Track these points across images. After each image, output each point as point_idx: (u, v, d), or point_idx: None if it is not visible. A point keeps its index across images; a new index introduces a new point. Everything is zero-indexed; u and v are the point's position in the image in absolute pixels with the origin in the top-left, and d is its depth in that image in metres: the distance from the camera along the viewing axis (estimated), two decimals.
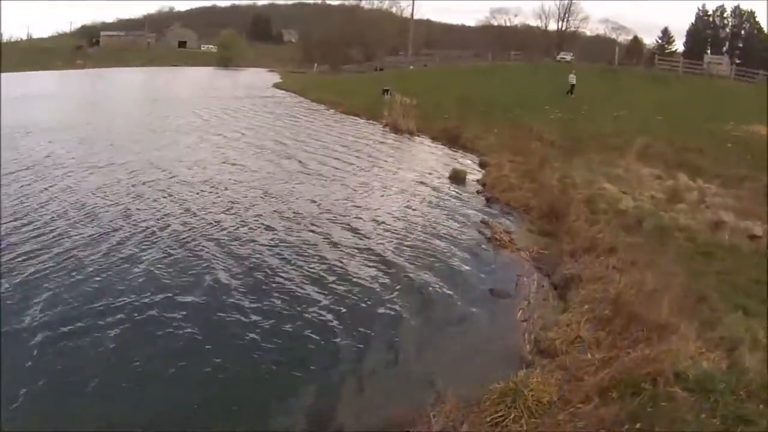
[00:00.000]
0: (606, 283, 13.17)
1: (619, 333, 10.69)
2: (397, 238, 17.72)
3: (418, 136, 39.22)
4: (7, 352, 9.99)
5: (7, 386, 9.10)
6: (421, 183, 25.25)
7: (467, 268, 15.79)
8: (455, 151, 33.62)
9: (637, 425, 7.47)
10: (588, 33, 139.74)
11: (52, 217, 17.90)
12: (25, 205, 19.09)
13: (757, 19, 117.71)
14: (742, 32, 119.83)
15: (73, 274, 13.72)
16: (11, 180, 21.89)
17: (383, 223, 19.28)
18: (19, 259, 14.35)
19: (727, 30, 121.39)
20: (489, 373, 9.88)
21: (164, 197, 20.58)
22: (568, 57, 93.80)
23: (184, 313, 12.13)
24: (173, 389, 9.58)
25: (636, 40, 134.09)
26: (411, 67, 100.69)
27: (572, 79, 50.17)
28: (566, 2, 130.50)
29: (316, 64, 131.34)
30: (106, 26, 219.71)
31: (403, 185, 24.73)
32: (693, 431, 7.33)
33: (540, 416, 8.38)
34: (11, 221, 17.29)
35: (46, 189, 20.94)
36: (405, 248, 16.87)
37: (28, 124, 35.89)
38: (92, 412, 8.86)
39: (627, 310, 11.24)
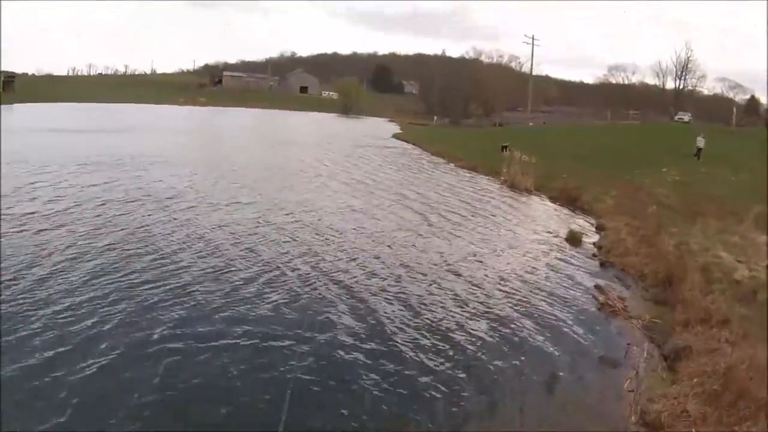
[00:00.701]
0: (717, 356, 12.98)
1: (727, 409, 10.58)
2: (511, 297, 17.91)
3: (535, 194, 39.24)
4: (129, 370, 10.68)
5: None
6: (537, 242, 25.37)
7: (578, 332, 15.79)
8: (572, 212, 33.51)
9: None
10: (705, 92, 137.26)
11: (176, 248, 19.27)
12: (151, 234, 20.88)
13: None
14: None
15: (195, 307, 14.74)
16: (138, 206, 23.94)
17: (498, 280, 19.52)
18: (143, 285, 15.60)
19: None
20: None
21: (287, 240, 21.77)
22: (686, 117, 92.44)
23: (305, 350, 12.81)
24: None
25: (753, 99, 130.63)
26: (530, 123, 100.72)
27: (701, 142, 48.82)
28: (683, 59, 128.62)
29: (435, 117, 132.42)
30: (228, 66, 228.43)
31: (519, 244, 24.93)
32: None
33: None
34: (138, 246, 19.14)
35: (171, 220, 22.73)
36: (518, 307, 17.05)
37: (154, 156, 38.19)
38: None
39: (736, 386, 11.09)
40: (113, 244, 19.56)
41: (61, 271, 16.61)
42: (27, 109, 78.35)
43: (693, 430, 10.05)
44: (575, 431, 11.01)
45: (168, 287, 15.98)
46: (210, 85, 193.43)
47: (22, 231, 20.30)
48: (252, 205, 27.04)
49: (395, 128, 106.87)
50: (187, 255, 18.85)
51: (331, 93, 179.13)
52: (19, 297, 14.54)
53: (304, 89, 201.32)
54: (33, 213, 22.73)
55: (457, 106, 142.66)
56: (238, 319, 14.29)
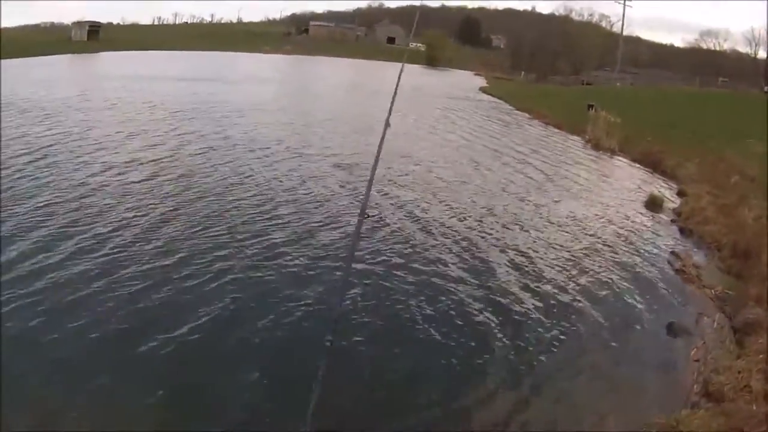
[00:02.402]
0: None
1: None
2: (589, 254, 18.03)
3: (619, 155, 38.67)
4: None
5: None
6: (617, 203, 25.19)
7: (651, 295, 15.71)
8: (654, 176, 32.97)
9: None
10: None
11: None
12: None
13: None
14: None
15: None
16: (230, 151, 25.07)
17: (577, 236, 19.76)
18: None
19: None
20: (652, 408, 10.00)
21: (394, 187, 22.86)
22: None
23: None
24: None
25: None
26: (618, 84, 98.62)
27: None
28: None
29: (523, 72, 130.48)
30: (315, 16, 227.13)
31: (599, 203, 24.82)
32: None
33: None
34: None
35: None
36: (594, 265, 17.14)
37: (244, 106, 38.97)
38: None
39: None
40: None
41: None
42: (113, 57, 78.81)
43: (753, 406, 9.99)
44: (636, 394, 10.98)
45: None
46: (296, 34, 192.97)
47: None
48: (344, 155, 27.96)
49: (482, 82, 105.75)
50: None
51: (418, 44, 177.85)
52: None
53: (391, 40, 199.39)
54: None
55: (545, 62, 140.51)
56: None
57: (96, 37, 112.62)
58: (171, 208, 17.93)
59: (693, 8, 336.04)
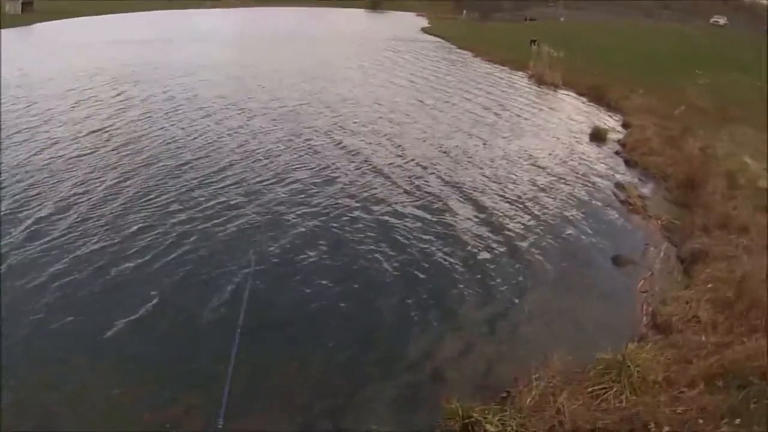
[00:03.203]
0: (733, 263, 12.60)
1: (738, 318, 10.27)
2: (525, 191, 17.78)
3: (563, 89, 38.37)
4: None
5: None
6: (559, 137, 24.99)
7: (597, 227, 15.64)
8: (599, 109, 32.71)
9: (737, 421, 7.20)
10: None
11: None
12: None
13: None
14: None
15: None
16: None
17: (521, 171, 19.62)
18: None
19: None
20: (599, 341, 9.72)
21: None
22: (722, 21, 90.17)
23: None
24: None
25: None
26: (561, 19, 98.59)
27: None
28: None
29: (465, 11, 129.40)
30: None
31: (542, 137, 24.72)
32: None
33: (642, 394, 8.19)
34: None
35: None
36: (531, 202, 16.90)
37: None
38: None
39: (750, 296, 10.75)
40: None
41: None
42: (50, 27, 75.24)
43: (702, 337, 9.75)
44: (582, 330, 10.82)
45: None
46: None
47: None
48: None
49: (424, 23, 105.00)
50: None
51: None
52: None
53: None
54: None
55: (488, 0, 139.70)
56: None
57: (30, 8, 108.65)
58: (119, 179, 16.87)
59: None
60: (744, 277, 11.59)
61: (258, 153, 19.61)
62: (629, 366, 8.51)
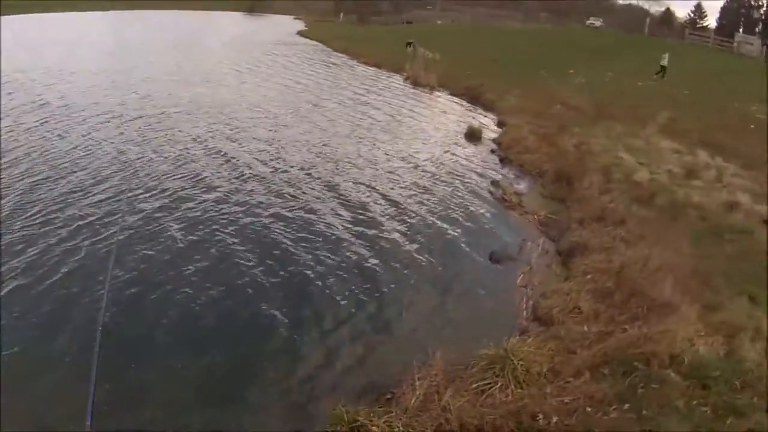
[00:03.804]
0: (611, 254, 12.78)
1: (619, 307, 10.38)
2: (400, 192, 17.52)
3: (438, 91, 38.70)
4: None
5: None
6: (434, 138, 25.11)
7: (471, 226, 15.56)
8: (474, 110, 33.10)
9: (625, 406, 7.21)
10: (621, 1, 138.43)
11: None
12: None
13: None
14: None
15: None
16: None
17: (394, 173, 19.27)
18: None
19: (762, 11, 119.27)
20: (481, 338, 9.53)
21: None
22: (598, 23, 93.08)
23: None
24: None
25: (668, 12, 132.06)
26: (439, 22, 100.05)
27: (665, 59, 46.19)
28: None
29: (342, 14, 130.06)
30: None
31: (414, 139, 24.67)
32: (681, 418, 7.04)
33: (527, 386, 8.12)
34: None
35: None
36: (407, 202, 16.69)
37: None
38: None
39: (629, 285, 10.94)
40: None
41: None
42: None
43: (585, 327, 9.74)
44: (463, 327, 10.67)
45: None
46: None
47: None
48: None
49: (301, 26, 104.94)
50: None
51: None
52: None
53: None
54: None
55: (366, 2, 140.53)
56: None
57: None
58: None
59: None
60: (622, 267, 11.79)
61: (133, 163, 18.38)
62: (512, 359, 8.44)
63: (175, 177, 17.17)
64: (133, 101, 27.85)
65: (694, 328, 9.22)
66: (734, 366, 8.13)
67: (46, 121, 22.96)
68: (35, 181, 16.16)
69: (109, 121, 23.44)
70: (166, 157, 18.99)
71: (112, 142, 20.42)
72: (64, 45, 52.10)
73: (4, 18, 67.91)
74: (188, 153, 19.63)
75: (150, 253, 12.32)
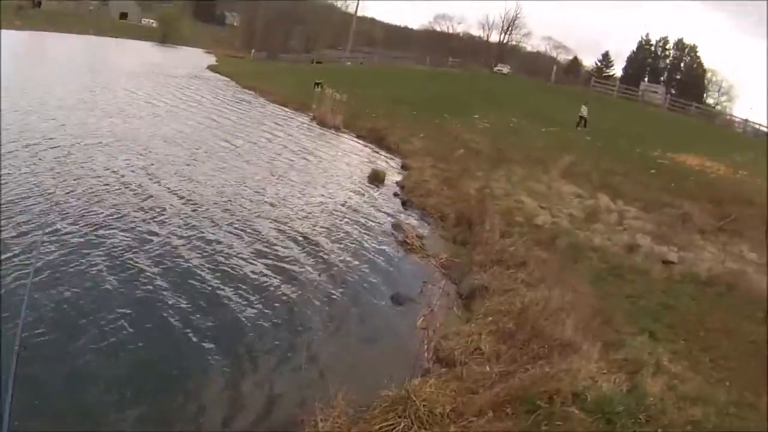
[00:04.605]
0: (513, 296, 12.96)
1: (521, 348, 10.46)
2: (303, 235, 17.31)
3: (344, 132, 39.03)
4: None
5: None
6: (338, 180, 25.16)
7: (372, 269, 15.55)
8: (379, 152, 33.46)
9: None
10: (529, 48, 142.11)
11: None
12: None
13: (698, 54, 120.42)
14: (682, 65, 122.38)
15: None
16: None
17: (294, 216, 18.98)
18: None
19: (668, 61, 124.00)
20: (383, 380, 9.49)
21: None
22: (505, 69, 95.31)
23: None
24: None
25: (575, 60, 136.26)
26: (348, 63, 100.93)
27: (584, 111, 46.74)
28: (511, 16, 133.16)
29: (253, 50, 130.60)
30: None
31: (318, 180, 24.50)
32: None
33: (431, 427, 8.09)
34: None
35: None
36: (310, 245, 16.51)
37: None
38: None
39: (531, 326, 11.04)
40: None
41: None
42: None
43: (487, 367, 9.78)
44: (365, 369, 10.60)
45: None
46: (29, 8, 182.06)
47: None
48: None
49: (211, 60, 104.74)
50: None
51: (151, 21, 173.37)
52: None
53: (124, 15, 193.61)
54: None
55: (277, 40, 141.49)
56: None
57: None
58: None
59: None
60: (524, 309, 11.89)
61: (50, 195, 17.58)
62: (415, 400, 8.38)
63: (93, 212, 16.54)
64: (48, 129, 26.80)
65: (597, 365, 9.43)
66: (638, 400, 8.35)
67: None
68: None
69: (24, 149, 22.47)
70: (84, 190, 18.33)
71: (25, 171, 19.45)
72: None
73: None
74: (106, 186, 18.92)
75: (65, 290, 11.85)
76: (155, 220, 16.42)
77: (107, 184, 18.87)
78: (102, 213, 16.18)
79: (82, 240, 14.07)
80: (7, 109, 27.20)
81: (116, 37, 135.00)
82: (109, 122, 28.76)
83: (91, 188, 18.27)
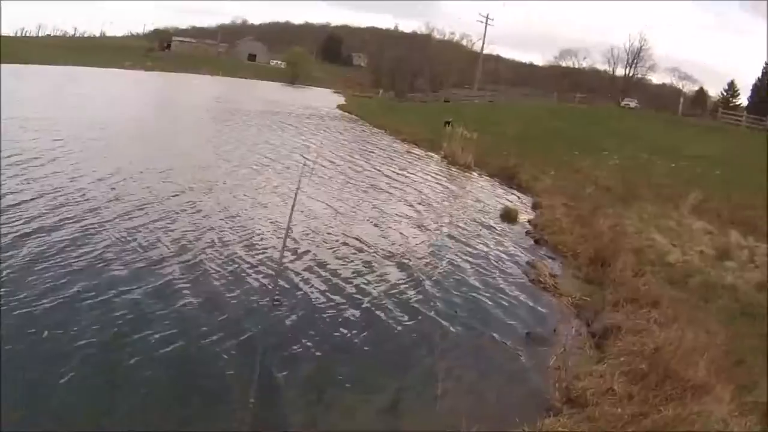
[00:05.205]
0: (645, 336, 12.81)
1: (653, 389, 10.38)
2: (443, 269, 17.77)
3: (475, 170, 39.32)
4: None
5: None
6: (471, 217, 25.35)
7: (507, 307, 15.63)
8: (510, 190, 33.54)
9: None
10: (654, 81, 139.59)
11: None
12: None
13: None
14: None
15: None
16: None
17: (430, 251, 19.48)
18: None
19: None
20: (515, 418, 9.71)
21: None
22: (633, 103, 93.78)
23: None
24: None
25: (701, 91, 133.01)
26: (476, 101, 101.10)
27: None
28: (636, 48, 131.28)
29: (381, 90, 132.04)
30: (179, 32, 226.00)
31: (452, 218, 24.90)
32: None
33: None
34: None
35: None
36: (448, 280, 16.89)
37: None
38: None
39: (663, 367, 10.91)
40: None
41: None
42: None
43: (618, 409, 9.82)
44: (497, 406, 10.68)
45: None
46: (158, 49, 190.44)
47: None
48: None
49: (340, 99, 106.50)
50: None
51: (279, 62, 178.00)
52: None
53: (252, 57, 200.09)
54: None
55: (404, 80, 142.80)
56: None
57: None
58: None
59: (555, 27, 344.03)
60: (656, 349, 11.78)
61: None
62: None
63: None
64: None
65: (729, 408, 9.32)
66: None
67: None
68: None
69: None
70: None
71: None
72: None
73: None
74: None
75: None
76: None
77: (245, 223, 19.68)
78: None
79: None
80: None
81: (245, 78, 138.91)
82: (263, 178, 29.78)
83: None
